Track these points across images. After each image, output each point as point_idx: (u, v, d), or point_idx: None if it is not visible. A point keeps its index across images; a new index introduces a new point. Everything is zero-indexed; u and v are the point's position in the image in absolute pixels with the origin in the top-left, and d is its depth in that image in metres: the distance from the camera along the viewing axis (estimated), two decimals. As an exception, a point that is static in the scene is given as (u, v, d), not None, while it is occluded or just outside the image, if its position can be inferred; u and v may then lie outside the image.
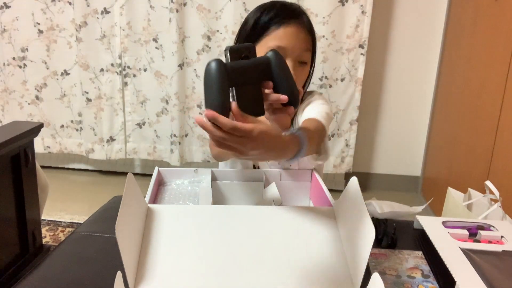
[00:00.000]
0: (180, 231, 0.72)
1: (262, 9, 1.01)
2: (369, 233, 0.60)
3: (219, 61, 0.60)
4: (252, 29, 1.00)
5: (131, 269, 0.62)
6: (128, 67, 2.32)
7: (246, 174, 1.02)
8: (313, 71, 1.07)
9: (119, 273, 0.56)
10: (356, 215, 0.67)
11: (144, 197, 0.80)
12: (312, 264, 0.67)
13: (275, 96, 0.67)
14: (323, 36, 2.16)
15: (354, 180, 0.71)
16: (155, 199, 0.92)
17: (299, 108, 1.10)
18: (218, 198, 1.01)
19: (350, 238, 0.68)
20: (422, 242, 0.87)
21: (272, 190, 0.96)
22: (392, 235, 0.88)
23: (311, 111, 1.02)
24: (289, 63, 0.95)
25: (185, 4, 2.20)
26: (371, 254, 0.80)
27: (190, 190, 0.98)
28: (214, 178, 1.01)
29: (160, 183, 0.99)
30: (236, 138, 0.59)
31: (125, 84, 2.36)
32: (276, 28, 0.97)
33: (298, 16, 0.99)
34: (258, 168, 1.10)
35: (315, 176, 0.99)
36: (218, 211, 0.78)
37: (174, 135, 2.39)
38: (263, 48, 0.98)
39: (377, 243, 0.87)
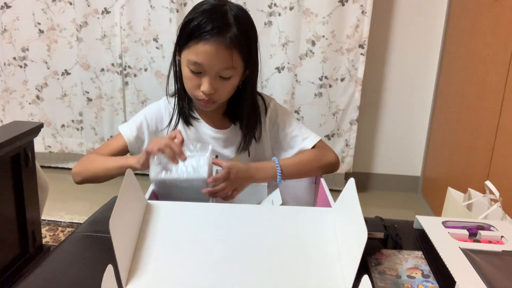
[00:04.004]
0: (178, 228, 0.73)
1: (193, 13, 0.96)
2: (362, 236, 0.59)
3: None
4: (180, 34, 0.98)
5: (124, 264, 0.62)
6: (129, 66, 2.32)
7: None
8: (255, 76, 1.04)
9: (109, 267, 0.56)
10: (351, 217, 0.67)
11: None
12: (306, 265, 0.67)
13: None
14: (323, 36, 2.16)
15: (351, 182, 0.71)
16: (155, 195, 0.92)
17: (266, 118, 1.11)
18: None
19: (345, 239, 0.68)
20: (422, 242, 0.87)
21: (274, 190, 0.97)
22: (396, 238, 0.88)
23: (296, 140, 1.09)
24: (206, 77, 0.96)
25: (185, 4, 2.20)
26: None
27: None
28: None
29: None
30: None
31: (126, 84, 2.36)
32: (196, 43, 0.93)
33: (220, 32, 0.92)
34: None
35: (319, 178, 0.99)
36: (217, 209, 0.78)
37: (174, 135, 2.38)
38: (185, 58, 0.97)
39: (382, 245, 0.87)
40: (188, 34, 0.95)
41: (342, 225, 0.71)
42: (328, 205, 0.85)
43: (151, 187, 0.89)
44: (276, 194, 0.94)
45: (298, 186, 1.03)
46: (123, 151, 1.08)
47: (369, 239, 0.83)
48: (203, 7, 0.96)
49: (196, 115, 1.10)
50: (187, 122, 1.09)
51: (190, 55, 0.95)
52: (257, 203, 1.00)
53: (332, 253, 0.69)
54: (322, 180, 0.96)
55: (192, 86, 0.99)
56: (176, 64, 1.05)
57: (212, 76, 0.96)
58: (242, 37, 0.94)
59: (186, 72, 0.98)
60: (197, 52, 0.93)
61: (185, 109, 1.08)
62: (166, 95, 1.12)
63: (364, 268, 0.78)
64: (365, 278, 0.56)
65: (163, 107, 1.11)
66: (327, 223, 0.75)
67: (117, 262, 0.59)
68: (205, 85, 0.96)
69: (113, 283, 0.57)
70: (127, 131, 1.08)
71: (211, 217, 0.76)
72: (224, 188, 0.92)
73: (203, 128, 1.10)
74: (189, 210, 0.78)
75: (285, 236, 0.72)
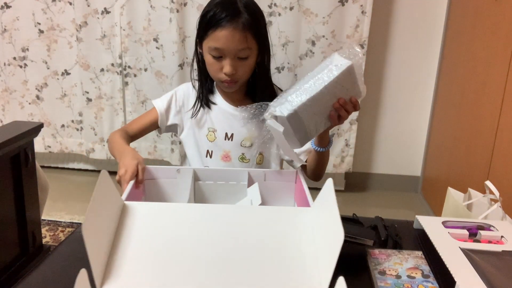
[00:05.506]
0: (155, 229, 0.72)
1: (208, 7, 1.10)
2: (338, 237, 0.59)
3: None
4: (199, 27, 1.11)
5: (98, 267, 0.61)
6: (129, 67, 2.32)
7: (230, 174, 1.01)
8: (268, 58, 1.16)
9: (83, 271, 0.55)
10: (329, 217, 0.67)
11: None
12: (284, 265, 0.66)
13: None
14: (323, 36, 2.16)
15: (329, 182, 0.70)
16: (135, 196, 0.92)
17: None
18: (200, 198, 1.00)
19: (323, 240, 0.68)
20: (422, 242, 0.87)
21: (254, 190, 0.96)
22: (396, 238, 0.88)
23: None
24: (227, 60, 1.08)
25: (185, 4, 2.20)
26: (372, 254, 0.80)
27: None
28: (197, 178, 1.00)
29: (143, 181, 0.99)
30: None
31: (126, 84, 2.36)
32: (213, 31, 1.06)
33: (234, 18, 1.05)
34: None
35: (299, 177, 0.99)
36: (194, 210, 0.77)
37: (175, 135, 2.39)
38: (206, 47, 1.10)
39: (381, 245, 0.87)
40: (206, 25, 1.08)
41: (320, 225, 0.71)
42: (307, 204, 0.84)
43: (129, 188, 0.88)
44: (255, 194, 0.93)
45: (279, 186, 1.02)
46: (155, 124, 1.22)
47: (358, 244, 0.84)
48: (216, 0, 1.09)
49: (215, 98, 1.21)
50: (208, 105, 1.21)
51: (210, 42, 1.07)
52: (236, 203, 1.00)
53: (309, 254, 0.68)
54: (302, 180, 0.96)
55: (215, 70, 1.11)
56: (197, 56, 1.18)
57: (231, 58, 1.08)
58: (252, 21, 1.07)
59: (208, 58, 1.11)
60: (216, 38, 1.06)
61: (205, 93, 1.21)
62: (191, 79, 1.24)
63: (363, 268, 0.79)
64: (340, 280, 0.56)
65: (191, 88, 1.24)
66: (305, 223, 0.74)
67: (91, 265, 0.58)
68: (226, 67, 1.08)
69: (87, 287, 0.56)
70: (159, 103, 1.23)
71: (188, 217, 0.75)
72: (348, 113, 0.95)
73: (225, 107, 1.20)
74: (167, 210, 0.77)
75: (262, 237, 0.71)
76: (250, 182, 1.00)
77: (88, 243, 0.57)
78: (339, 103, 0.93)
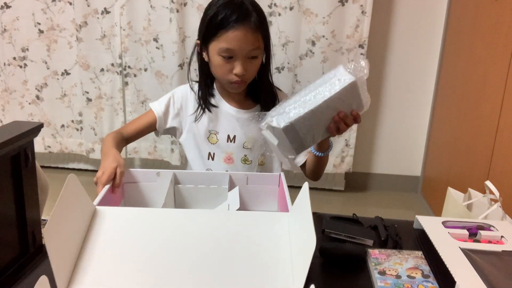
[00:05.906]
0: (125, 235, 0.70)
1: (214, 8, 1.09)
2: (311, 244, 0.58)
3: None
4: (206, 29, 1.10)
5: (62, 273, 0.60)
6: (129, 67, 2.32)
7: (211, 177, 0.98)
8: (270, 58, 1.18)
9: (43, 278, 0.54)
10: (303, 223, 0.66)
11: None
12: (256, 272, 0.65)
13: None
14: (323, 36, 2.16)
15: (305, 187, 0.70)
16: (113, 200, 0.90)
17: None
18: (180, 202, 0.98)
19: (297, 246, 0.67)
20: (422, 242, 0.87)
21: (234, 194, 0.93)
22: (396, 238, 0.88)
23: None
24: (238, 60, 1.08)
25: (185, 4, 2.20)
26: (371, 254, 0.80)
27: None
28: (177, 182, 0.98)
29: (123, 185, 0.98)
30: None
31: (126, 84, 2.36)
32: (225, 32, 1.06)
33: (245, 19, 1.05)
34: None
35: (282, 181, 0.96)
36: (167, 215, 0.76)
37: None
38: (215, 48, 1.08)
39: (381, 245, 0.88)
40: (215, 26, 1.07)
41: (296, 230, 0.70)
42: (287, 209, 0.83)
43: (104, 191, 0.86)
44: (234, 198, 0.91)
45: (262, 190, 1.00)
46: (152, 126, 1.21)
47: (358, 244, 0.84)
48: (220, 1, 1.08)
49: (215, 101, 1.20)
50: (209, 108, 1.20)
51: (221, 43, 1.07)
52: (216, 207, 0.97)
53: (285, 259, 0.67)
54: (284, 184, 0.93)
55: (224, 71, 1.10)
56: (200, 58, 1.17)
57: (242, 59, 1.08)
58: (261, 20, 1.09)
59: (217, 60, 1.10)
60: (228, 39, 1.06)
61: (206, 96, 1.20)
62: (189, 80, 1.24)
63: (363, 268, 0.79)
64: None
65: (189, 90, 1.23)
66: (282, 228, 0.72)
67: (53, 272, 0.56)
68: (238, 68, 1.08)
69: None
70: (157, 106, 1.21)
71: (162, 223, 0.73)
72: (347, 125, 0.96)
73: (227, 109, 1.20)
74: (138, 216, 0.75)
75: (237, 242, 0.69)
76: (232, 186, 0.97)
77: (50, 249, 0.56)
78: (339, 117, 0.92)
